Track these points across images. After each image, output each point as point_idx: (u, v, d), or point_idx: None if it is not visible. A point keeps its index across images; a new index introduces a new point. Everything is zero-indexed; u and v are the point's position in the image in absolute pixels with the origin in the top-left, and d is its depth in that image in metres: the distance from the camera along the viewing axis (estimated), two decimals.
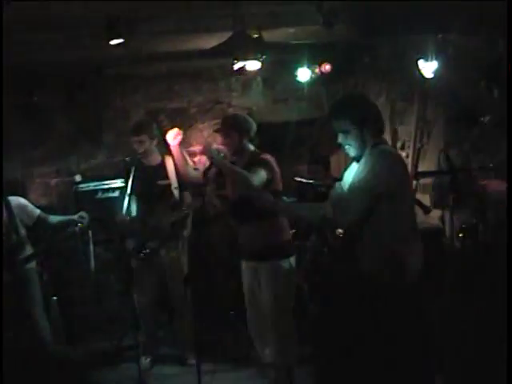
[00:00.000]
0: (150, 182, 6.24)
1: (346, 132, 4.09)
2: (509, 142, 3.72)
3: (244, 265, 5.60)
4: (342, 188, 4.17)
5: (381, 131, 4.15)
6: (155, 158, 6.42)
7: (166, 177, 6.36)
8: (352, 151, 4.14)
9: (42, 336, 5.96)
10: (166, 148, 6.15)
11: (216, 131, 5.68)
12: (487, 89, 3.81)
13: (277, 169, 5.35)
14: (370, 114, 4.09)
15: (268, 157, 5.33)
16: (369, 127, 4.04)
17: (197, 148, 8.12)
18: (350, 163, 4.31)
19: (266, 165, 5.21)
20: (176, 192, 6.34)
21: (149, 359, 6.52)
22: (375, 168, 3.89)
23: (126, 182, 6.13)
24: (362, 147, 4.07)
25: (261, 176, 5.09)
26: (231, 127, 5.41)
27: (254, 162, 5.26)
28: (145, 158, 6.37)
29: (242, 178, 5.05)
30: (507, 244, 1.31)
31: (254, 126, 5.49)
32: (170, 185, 6.34)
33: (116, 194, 7.15)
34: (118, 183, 7.17)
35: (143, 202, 6.31)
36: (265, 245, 5.34)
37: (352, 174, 4.13)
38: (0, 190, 5.86)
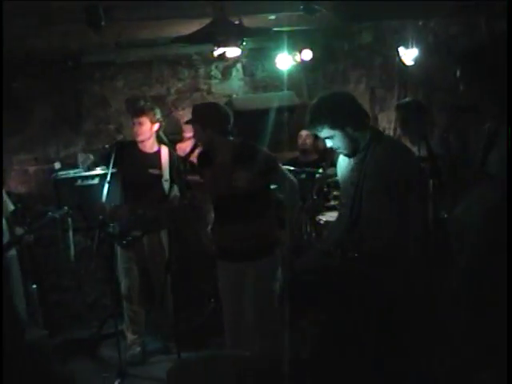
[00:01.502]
0: (141, 169, 6.20)
1: (330, 138, 4.08)
2: (509, 142, 3.73)
3: (225, 266, 5.28)
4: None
5: (365, 121, 4.13)
6: (152, 146, 6.36)
7: (159, 167, 6.33)
8: (344, 152, 4.15)
9: (20, 323, 5.95)
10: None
11: (187, 122, 5.46)
12: (461, 77, 3.80)
13: None
14: (346, 111, 4.04)
15: (268, 152, 5.14)
16: (351, 124, 4.02)
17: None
18: (337, 157, 4.34)
19: (275, 160, 5.11)
20: (166, 184, 6.29)
21: (139, 349, 6.48)
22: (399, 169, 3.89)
23: (107, 169, 6.10)
24: (353, 145, 4.07)
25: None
26: (195, 120, 5.12)
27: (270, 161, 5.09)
28: (141, 142, 6.32)
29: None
30: (507, 245, 1.32)
31: (225, 118, 5.09)
32: (160, 175, 6.30)
33: (96, 181, 7.11)
34: (98, 170, 7.14)
35: (131, 188, 6.26)
36: (254, 245, 5.05)
37: (352, 170, 4.13)
38: (0, 185, 5.85)
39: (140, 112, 6.24)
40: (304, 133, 7.78)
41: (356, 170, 4.07)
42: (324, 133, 4.06)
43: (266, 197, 5.12)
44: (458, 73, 3.83)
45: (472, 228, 3.54)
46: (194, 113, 5.19)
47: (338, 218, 4.54)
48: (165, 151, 6.39)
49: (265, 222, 5.10)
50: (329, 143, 4.12)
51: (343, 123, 4.00)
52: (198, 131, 5.08)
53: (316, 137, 7.76)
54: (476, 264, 2.98)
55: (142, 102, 6.73)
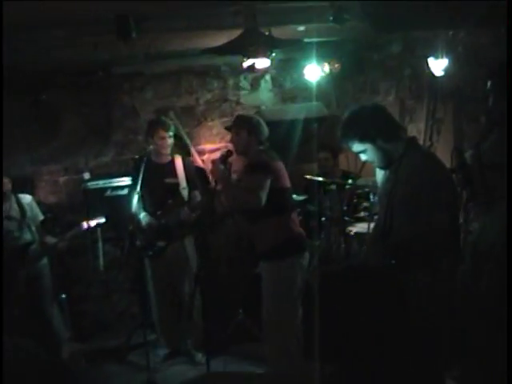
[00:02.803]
0: (158, 180, 6.23)
1: (362, 152, 4.05)
2: (509, 142, 3.69)
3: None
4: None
5: (397, 133, 4.07)
6: (165, 157, 6.42)
7: (175, 176, 6.39)
8: (379, 165, 4.12)
9: (57, 331, 6.00)
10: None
11: (227, 128, 5.73)
12: (492, 89, 3.76)
13: (279, 167, 5.34)
14: (376, 125, 3.98)
15: (264, 159, 5.30)
16: (381, 137, 3.97)
17: (206, 147, 8.14)
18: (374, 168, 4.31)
19: (262, 168, 5.22)
20: (184, 192, 6.36)
21: (166, 352, 6.64)
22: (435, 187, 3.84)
23: (136, 180, 6.16)
24: (387, 157, 4.02)
25: (259, 184, 5.13)
26: (243, 127, 5.42)
27: (252, 165, 5.29)
28: (162, 155, 6.38)
29: (247, 198, 5.16)
30: (507, 244, 1.30)
31: (266, 131, 5.48)
32: (177, 184, 6.36)
33: (125, 191, 7.13)
34: (127, 181, 7.17)
35: (152, 200, 6.29)
36: (268, 245, 5.31)
37: (387, 180, 4.11)
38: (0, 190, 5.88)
39: (169, 126, 6.34)
40: (322, 155, 7.74)
41: (390, 181, 4.03)
42: (355, 147, 4.04)
43: (270, 201, 5.17)
44: (488, 84, 3.79)
45: (490, 250, 3.49)
46: (240, 119, 5.60)
47: (374, 229, 4.51)
48: (178, 160, 6.49)
49: (277, 225, 5.27)
50: (362, 157, 4.10)
51: (373, 137, 3.95)
52: (241, 137, 5.40)
53: (335, 156, 7.75)
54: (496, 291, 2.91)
55: (163, 118, 6.81)
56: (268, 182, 5.14)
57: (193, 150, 7.91)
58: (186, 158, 6.76)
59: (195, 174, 6.61)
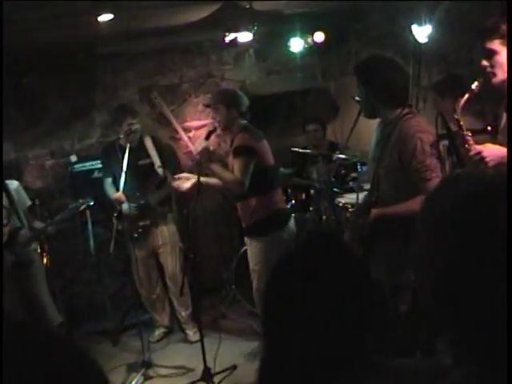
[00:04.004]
0: (131, 164, 6.19)
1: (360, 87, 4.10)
2: (509, 137, 3.67)
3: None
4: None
5: (395, 100, 4.04)
6: (134, 139, 6.40)
7: (147, 156, 6.47)
8: (363, 110, 4.19)
9: (50, 315, 5.99)
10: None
11: (206, 105, 5.76)
12: (475, 54, 3.75)
13: (263, 147, 5.39)
14: (377, 78, 3.98)
15: (248, 141, 5.34)
16: (375, 92, 3.99)
17: (192, 124, 8.09)
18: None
19: (246, 151, 5.28)
20: (160, 170, 6.43)
21: (161, 331, 6.73)
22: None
23: (105, 164, 6.59)
24: (370, 108, 4.10)
25: (242, 169, 5.22)
26: (220, 102, 5.43)
27: (236, 148, 5.35)
28: (125, 140, 6.36)
29: (230, 185, 5.34)
30: (507, 241, 1.27)
31: (246, 101, 5.50)
32: (152, 164, 6.45)
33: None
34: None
35: (129, 182, 6.26)
36: (250, 222, 5.47)
37: (377, 145, 4.14)
38: (0, 178, 5.84)
39: (135, 113, 6.48)
40: (311, 127, 7.66)
41: (379, 146, 4.06)
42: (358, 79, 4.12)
43: (253, 181, 5.26)
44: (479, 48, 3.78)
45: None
46: (218, 95, 5.63)
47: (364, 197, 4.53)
48: (148, 140, 6.56)
49: (259, 202, 5.38)
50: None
51: (371, 83, 4.01)
52: (221, 112, 5.42)
53: (324, 127, 7.70)
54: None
55: (124, 104, 6.83)
56: (251, 166, 5.20)
57: (178, 128, 7.88)
58: (155, 137, 6.84)
59: (166, 152, 6.73)
